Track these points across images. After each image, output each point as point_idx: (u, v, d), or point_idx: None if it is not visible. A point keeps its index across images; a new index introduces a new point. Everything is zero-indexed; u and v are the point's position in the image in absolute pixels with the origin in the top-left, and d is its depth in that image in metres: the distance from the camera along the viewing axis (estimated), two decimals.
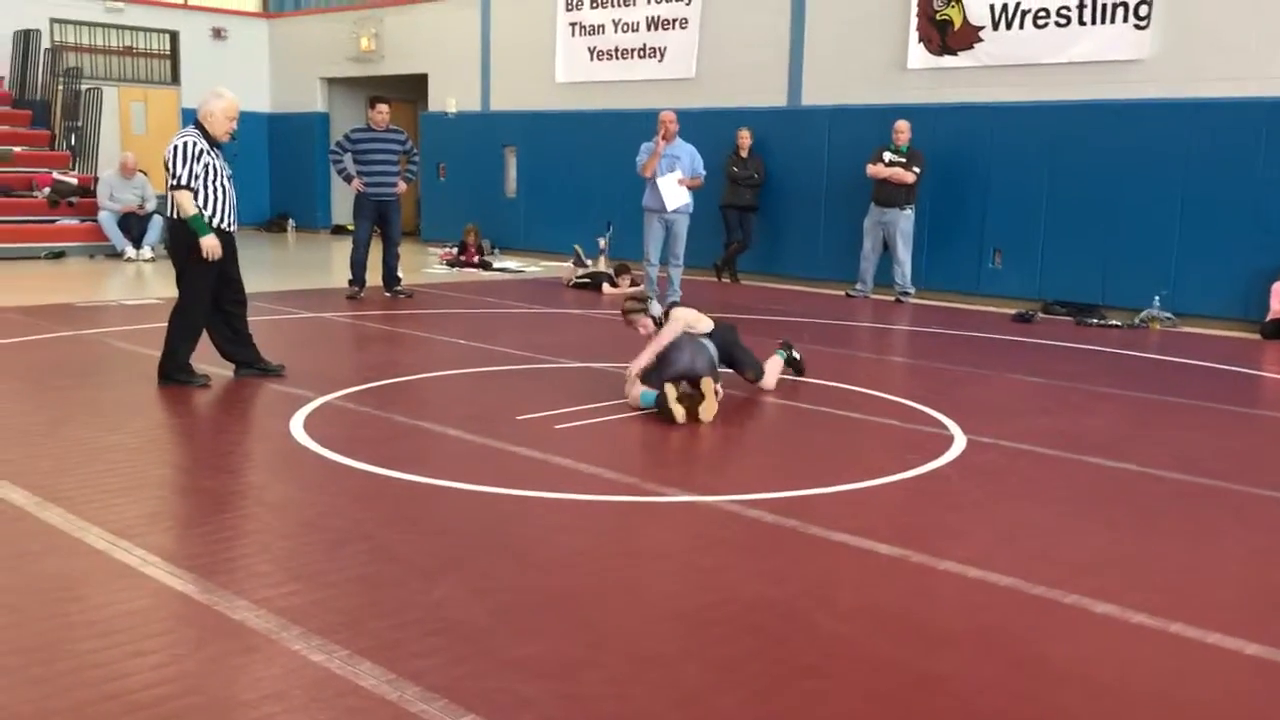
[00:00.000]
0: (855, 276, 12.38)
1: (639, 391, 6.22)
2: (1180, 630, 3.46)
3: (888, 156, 11.83)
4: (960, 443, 5.77)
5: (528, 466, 5.17)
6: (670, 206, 10.64)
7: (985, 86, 11.95)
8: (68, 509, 4.31)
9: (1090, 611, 3.60)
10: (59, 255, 14.41)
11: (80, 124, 16.57)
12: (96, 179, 15.28)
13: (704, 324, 6.58)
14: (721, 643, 3.31)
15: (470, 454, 5.41)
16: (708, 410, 6.04)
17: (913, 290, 12.07)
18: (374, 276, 11.14)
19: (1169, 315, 10.62)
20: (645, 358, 6.33)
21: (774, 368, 6.96)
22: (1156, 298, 10.65)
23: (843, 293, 12.49)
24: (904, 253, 11.97)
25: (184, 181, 6.53)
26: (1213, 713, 2.98)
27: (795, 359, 7.25)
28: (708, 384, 6.13)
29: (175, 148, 6.58)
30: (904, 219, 11.90)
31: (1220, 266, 10.57)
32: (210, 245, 6.54)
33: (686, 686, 3.01)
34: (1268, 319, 10.06)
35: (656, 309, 6.57)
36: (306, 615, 3.37)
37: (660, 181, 10.62)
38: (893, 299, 12.04)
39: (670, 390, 6.03)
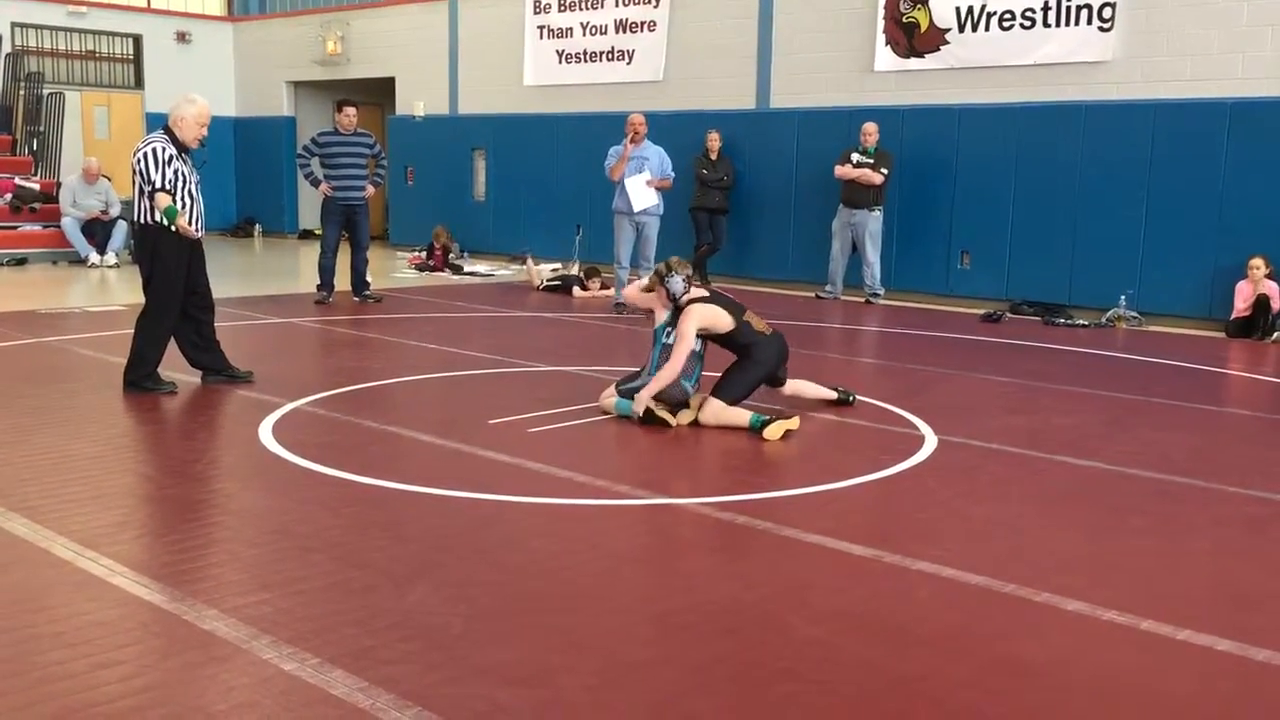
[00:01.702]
0: (825, 278, 12.42)
1: (612, 401, 6.22)
2: (1151, 627, 3.48)
3: (855, 158, 11.88)
4: (931, 443, 5.79)
5: (500, 471, 5.14)
6: (637, 208, 10.62)
7: (952, 88, 12.03)
8: (32, 518, 4.25)
9: (1061, 609, 3.62)
10: (21, 262, 14.24)
11: (42, 129, 16.38)
12: (59, 184, 15.11)
13: (722, 323, 6.16)
14: (696, 646, 3.30)
15: (442, 459, 5.38)
16: (684, 417, 6.07)
17: (882, 291, 12.12)
18: (342, 281, 11.07)
19: (1135, 314, 10.72)
20: (676, 362, 6.04)
21: (811, 389, 6.54)
22: (1122, 297, 10.75)
23: (812, 294, 12.53)
24: (873, 254, 12.02)
25: (159, 185, 6.49)
26: (1183, 709, 3.00)
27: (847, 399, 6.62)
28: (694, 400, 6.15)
29: (145, 154, 6.52)
30: (872, 220, 11.95)
31: (1185, 266, 10.68)
32: (184, 225, 6.50)
33: (663, 691, 3.00)
34: (1232, 317, 10.18)
35: (678, 286, 6.17)
36: (277, 624, 3.34)
37: (628, 183, 10.61)
38: (863, 300, 12.09)
39: (639, 401, 6.03)
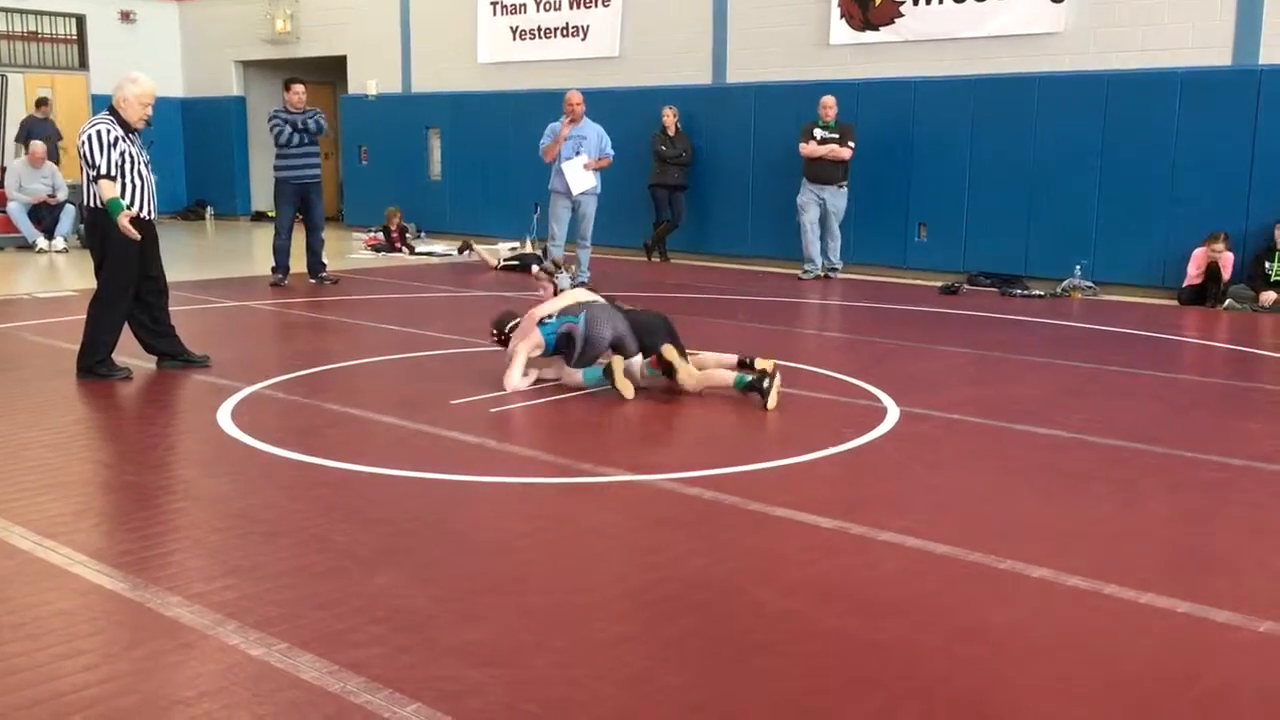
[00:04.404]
0: (785, 252, 12.37)
1: (579, 377, 6.21)
2: (1114, 591, 3.53)
3: (819, 134, 11.82)
4: (894, 415, 5.83)
5: (464, 451, 5.11)
6: (575, 190, 10.56)
7: (907, 61, 12.05)
8: None
9: (1026, 576, 3.65)
10: None
11: None
12: (4, 169, 14.79)
13: (562, 302, 6.46)
14: (667, 621, 3.30)
15: (404, 440, 5.33)
16: (689, 376, 6.06)
17: (840, 265, 12.12)
18: (298, 263, 10.94)
19: (1090, 284, 10.83)
20: (523, 341, 6.24)
21: (718, 380, 6.18)
22: (1077, 267, 10.86)
23: (776, 271, 12.51)
24: (837, 228, 11.97)
25: (104, 171, 6.36)
26: (1148, 671, 3.05)
27: (763, 389, 5.97)
28: (670, 351, 6.12)
29: (89, 137, 6.39)
30: (841, 197, 11.88)
31: (1138, 235, 10.80)
32: (125, 226, 6.37)
33: (634, 667, 3.00)
34: (1184, 285, 10.31)
35: (564, 281, 6.54)
36: (243, 609, 3.30)
37: (565, 166, 10.53)
38: (821, 274, 12.05)
39: (618, 362, 6.03)
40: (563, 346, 6.19)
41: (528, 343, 6.22)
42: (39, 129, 15.28)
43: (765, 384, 5.94)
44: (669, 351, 6.07)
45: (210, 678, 2.89)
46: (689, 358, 6.33)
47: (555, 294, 6.64)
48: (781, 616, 3.35)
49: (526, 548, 3.91)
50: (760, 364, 6.16)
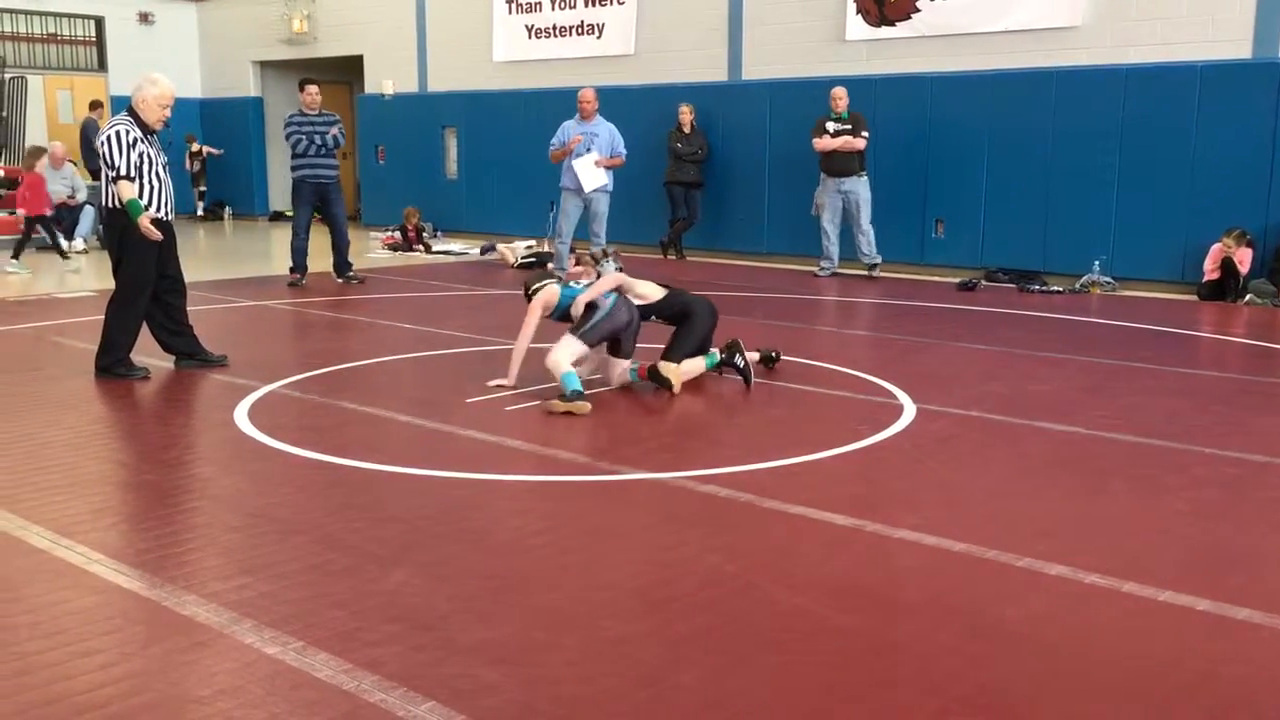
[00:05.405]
0: (800, 249, 12.31)
1: (623, 369, 6.29)
2: (1133, 589, 3.50)
3: (832, 126, 11.75)
4: (910, 412, 5.81)
5: (480, 449, 5.12)
6: (587, 188, 10.55)
7: (923, 57, 12.00)
8: (6, 508, 4.20)
9: (1043, 574, 3.63)
10: None
11: (5, 114, 16.13)
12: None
13: (641, 287, 6.52)
14: (681, 620, 3.29)
15: (421, 439, 5.34)
16: (678, 380, 6.15)
17: (880, 259, 11.88)
18: (321, 263, 10.98)
19: (1109, 280, 10.77)
20: (540, 301, 6.31)
21: (692, 367, 6.35)
22: (1096, 262, 10.79)
23: (792, 268, 12.47)
24: (867, 221, 11.73)
25: (123, 171, 6.39)
26: (1166, 670, 3.02)
27: (738, 365, 6.38)
28: (667, 368, 6.16)
29: (109, 137, 6.43)
30: (863, 186, 11.75)
31: (1157, 230, 10.73)
32: (147, 226, 6.40)
33: (647, 665, 3.00)
34: (1203, 280, 10.23)
35: (610, 267, 6.57)
36: (258, 608, 3.31)
37: (576, 163, 10.51)
38: (864, 273, 11.80)
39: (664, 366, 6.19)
40: (573, 314, 6.22)
41: (545, 298, 6.31)
42: (96, 130, 15.48)
43: (737, 359, 6.33)
44: (665, 368, 6.14)
45: (225, 676, 2.90)
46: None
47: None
48: (795, 614, 3.34)
49: (541, 546, 3.91)
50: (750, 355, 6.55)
